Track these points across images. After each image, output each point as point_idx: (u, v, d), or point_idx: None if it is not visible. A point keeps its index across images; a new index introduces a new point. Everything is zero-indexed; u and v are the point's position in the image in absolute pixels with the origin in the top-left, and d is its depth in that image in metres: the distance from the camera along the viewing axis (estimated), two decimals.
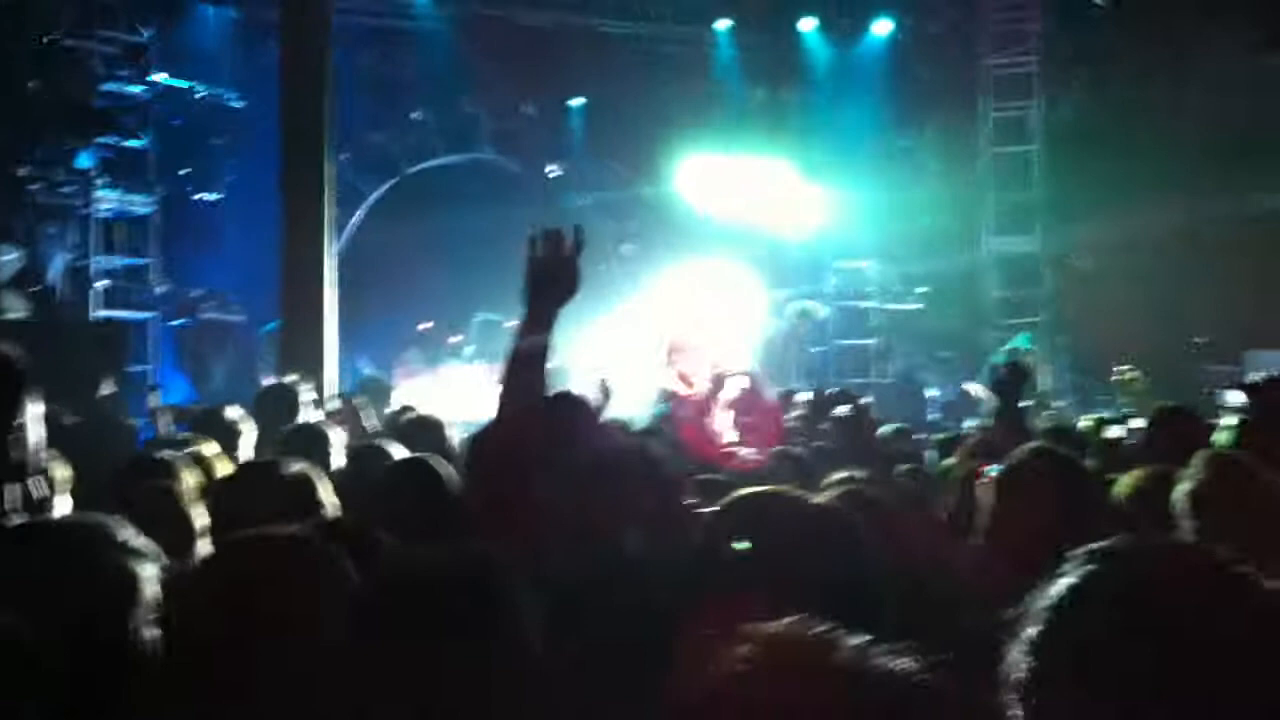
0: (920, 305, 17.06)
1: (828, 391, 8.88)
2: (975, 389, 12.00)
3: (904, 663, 1.16)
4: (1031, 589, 1.40)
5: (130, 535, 2.10)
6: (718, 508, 2.03)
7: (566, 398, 4.21)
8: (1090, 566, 1.36)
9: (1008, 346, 14.81)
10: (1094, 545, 1.39)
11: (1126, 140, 14.93)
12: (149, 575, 2.03)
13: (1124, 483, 3.34)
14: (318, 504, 3.17)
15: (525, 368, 3.02)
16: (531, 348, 3.04)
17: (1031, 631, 1.36)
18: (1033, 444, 3.02)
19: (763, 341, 15.18)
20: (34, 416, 2.78)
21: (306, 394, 6.83)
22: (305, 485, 3.24)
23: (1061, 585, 1.36)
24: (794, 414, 8.06)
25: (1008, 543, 2.71)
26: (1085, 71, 16.81)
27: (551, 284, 3.07)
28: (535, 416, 3.04)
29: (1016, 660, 1.35)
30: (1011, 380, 4.74)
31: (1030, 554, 2.34)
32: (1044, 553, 1.55)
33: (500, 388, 3.05)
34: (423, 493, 3.78)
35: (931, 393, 15.79)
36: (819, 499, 2.38)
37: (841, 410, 6.61)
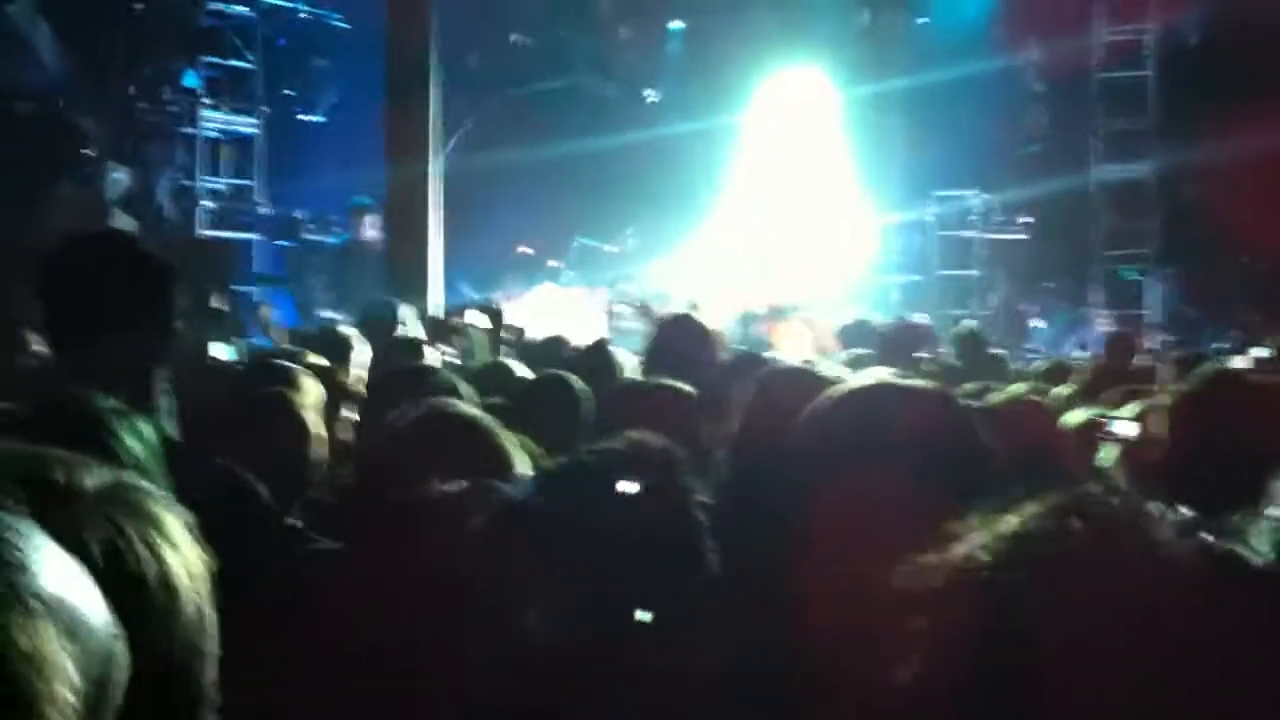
0: (1024, 235, 16.66)
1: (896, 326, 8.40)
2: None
3: None
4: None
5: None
6: (833, 397, 1.93)
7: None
8: None
9: None
10: None
11: (1248, 64, 14.32)
12: None
13: None
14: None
15: None
16: None
17: None
18: (1213, 365, 2.88)
19: None
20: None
21: (409, 314, 6.95)
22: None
23: None
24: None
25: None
26: None
27: None
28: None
29: None
30: None
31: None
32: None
33: None
34: (561, 407, 3.82)
35: (1036, 323, 15.50)
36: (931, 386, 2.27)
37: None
